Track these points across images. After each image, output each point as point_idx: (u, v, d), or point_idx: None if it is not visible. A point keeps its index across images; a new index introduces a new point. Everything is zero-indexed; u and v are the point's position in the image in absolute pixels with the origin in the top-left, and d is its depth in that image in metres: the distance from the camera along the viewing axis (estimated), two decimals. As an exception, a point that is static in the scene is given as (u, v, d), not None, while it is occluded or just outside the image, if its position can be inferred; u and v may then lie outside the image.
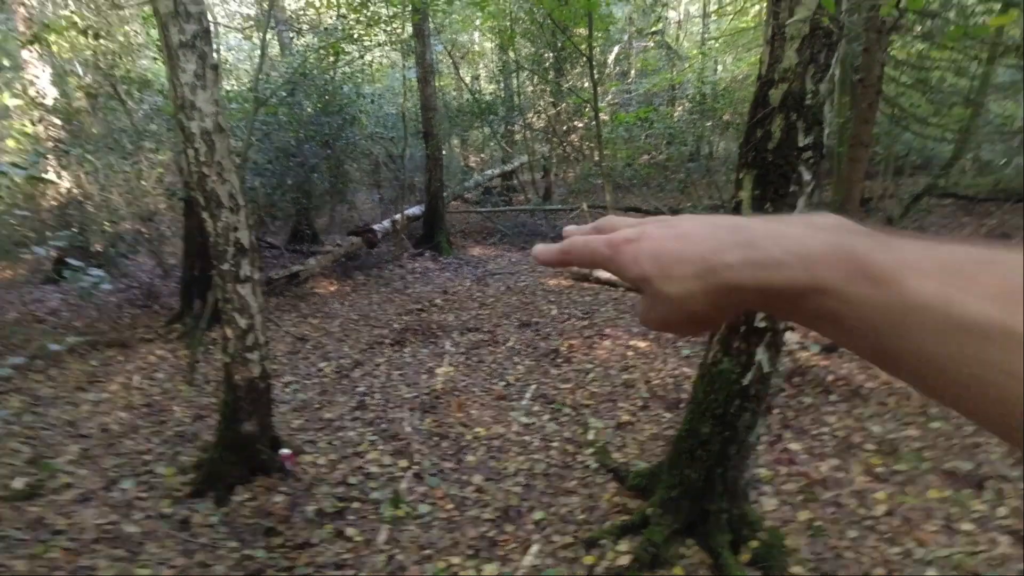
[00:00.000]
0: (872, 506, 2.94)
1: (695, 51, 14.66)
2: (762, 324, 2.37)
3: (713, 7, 14.29)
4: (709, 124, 9.91)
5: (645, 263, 0.36)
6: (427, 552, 2.79)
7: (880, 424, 3.71)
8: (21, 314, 6.46)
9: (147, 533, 2.99)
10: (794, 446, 3.50)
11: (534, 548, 2.75)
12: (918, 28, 5.70)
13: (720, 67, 14.69)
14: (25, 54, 6.69)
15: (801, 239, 0.31)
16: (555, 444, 3.68)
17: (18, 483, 3.45)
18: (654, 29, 14.06)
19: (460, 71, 14.34)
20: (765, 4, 2.35)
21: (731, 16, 11.76)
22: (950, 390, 0.25)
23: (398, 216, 9.47)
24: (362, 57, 7.77)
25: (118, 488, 3.39)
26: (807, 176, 2.21)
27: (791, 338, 5.00)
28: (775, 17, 2.14)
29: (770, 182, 2.23)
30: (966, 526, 2.76)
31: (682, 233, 0.35)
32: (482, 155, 15.60)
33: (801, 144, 2.16)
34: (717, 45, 13.17)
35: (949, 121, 7.64)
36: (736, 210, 2.37)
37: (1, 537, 2.96)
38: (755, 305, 0.33)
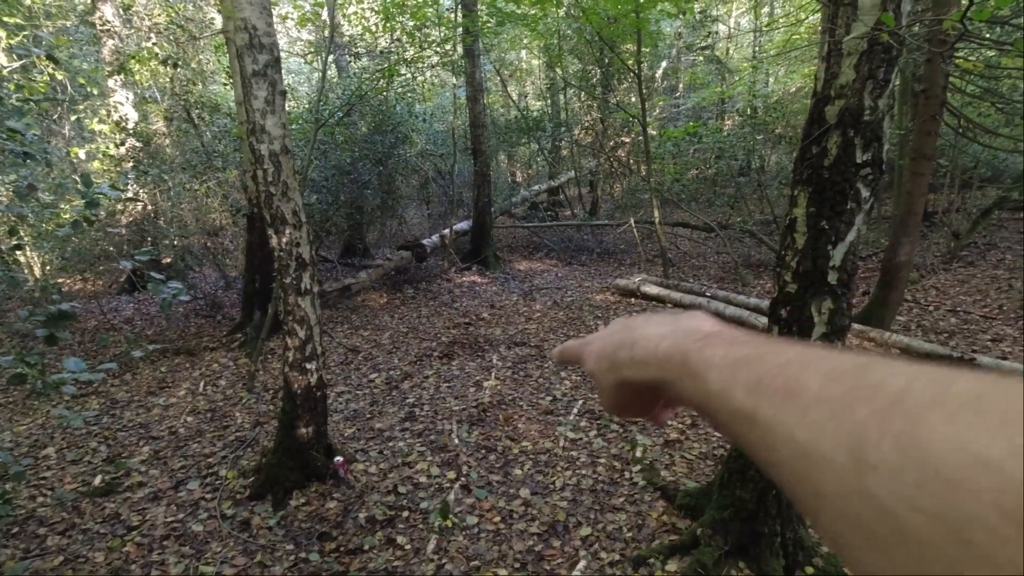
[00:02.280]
0: (939, 537, 2.79)
1: (745, 64, 14.45)
2: (818, 344, 2.32)
3: (765, 20, 14.07)
4: (760, 138, 9.72)
5: (591, 361, 0.46)
6: (475, 563, 2.82)
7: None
8: (100, 322, 6.95)
9: (211, 532, 3.16)
10: (853, 471, 3.37)
11: (581, 564, 2.75)
12: (987, 36, 5.45)
13: (772, 80, 14.41)
14: (111, 82, 7.27)
15: (658, 343, 0.38)
16: (602, 460, 3.67)
17: (97, 480, 3.70)
18: (704, 44, 13.94)
19: (508, 88, 14.60)
20: (820, 18, 2.34)
21: (783, 28, 11.55)
22: (754, 459, 0.29)
23: (446, 231, 9.67)
24: (415, 78, 8.04)
25: (185, 488, 3.59)
26: (865, 193, 2.17)
27: (849, 358, 4.82)
28: (831, 34, 2.13)
29: (826, 199, 2.20)
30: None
31: (607, 334, 0.45)
32: (529, 170, 15.76)
33: (859, 161, 2.12)
34: (769, 58, 12.93)
35: (1021, 132, 7.23)
36: (791, 227, 2.34)
37: (83, 530, 3.19)
38: (645, 394, 0.41)
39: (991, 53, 6.69)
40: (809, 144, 2.23)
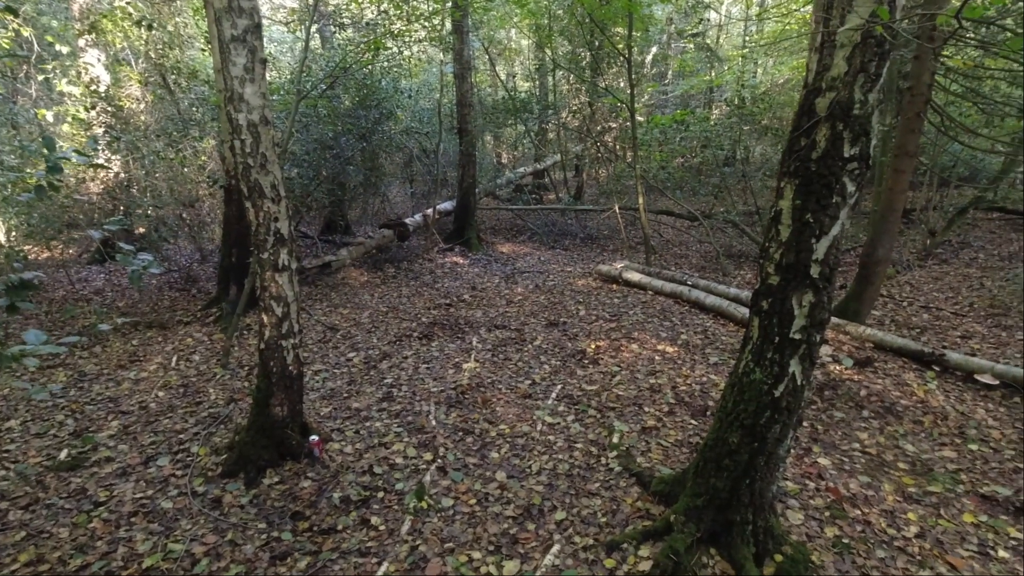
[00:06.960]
0: (903, 527, 2.87)
1: (735, 54, 14.42)
2: (797, 336, 2.33)
3: (755, 10, 14.02)
4: (747, 128, 9.74)
5: None
6: (449, 545, 2.82)
7: (914, 443, 3.61)
8: (68, 293, 6.74)
9: (180, 510, 3.10)
10: (823, 461, 3.43)
11: (555, 548, 2.76)
12: (970, 36, 5.50)
13: (760, 71, 14.41)
14: (81, 42, 6.96)
15: None
16: (579, 445, 3.68)
17: (63, 454, 3.61)
18: (695, 31, 13.86)
19: (496, 68, 14.38)
20: (812, 8, 2.31)
21: (775, 19, 11.52)
22: None
23: (430, 210, 9.55)
24: (401, 53, 7.86)
25: (155, 464, 3.52)
26: (851, 187, 2.16)
27: (823, 351, 4.89)
28: (825, 24, 2.10)
29: (812, 192, 2.19)
30: (1003, 553, 2.68)
31: None
32: (515, 152, 15.61)
33: (847, 155, 2.11)
34: (759, 49, 12.91)
35: (1000, 133, 7.36)
36: (776, 219, 2.33)
37: (47, 505, 3.11)
38: None
39: (975, 53, 6.75)
40: (798, 136, 2.22)
